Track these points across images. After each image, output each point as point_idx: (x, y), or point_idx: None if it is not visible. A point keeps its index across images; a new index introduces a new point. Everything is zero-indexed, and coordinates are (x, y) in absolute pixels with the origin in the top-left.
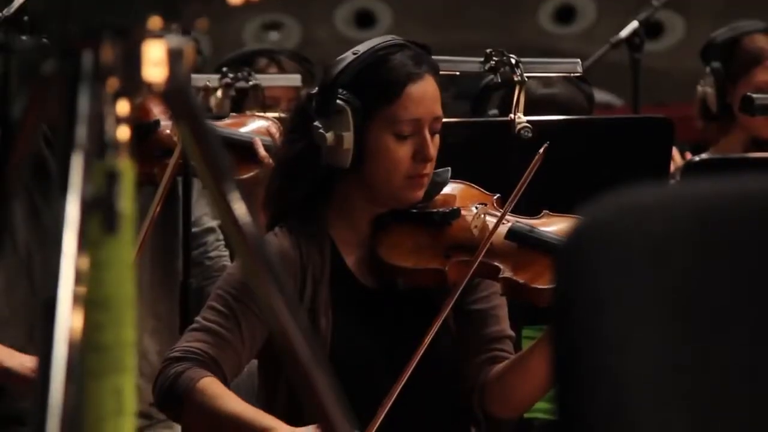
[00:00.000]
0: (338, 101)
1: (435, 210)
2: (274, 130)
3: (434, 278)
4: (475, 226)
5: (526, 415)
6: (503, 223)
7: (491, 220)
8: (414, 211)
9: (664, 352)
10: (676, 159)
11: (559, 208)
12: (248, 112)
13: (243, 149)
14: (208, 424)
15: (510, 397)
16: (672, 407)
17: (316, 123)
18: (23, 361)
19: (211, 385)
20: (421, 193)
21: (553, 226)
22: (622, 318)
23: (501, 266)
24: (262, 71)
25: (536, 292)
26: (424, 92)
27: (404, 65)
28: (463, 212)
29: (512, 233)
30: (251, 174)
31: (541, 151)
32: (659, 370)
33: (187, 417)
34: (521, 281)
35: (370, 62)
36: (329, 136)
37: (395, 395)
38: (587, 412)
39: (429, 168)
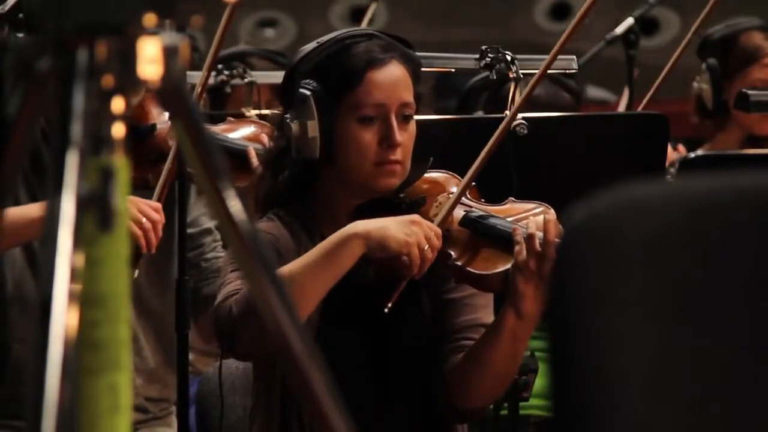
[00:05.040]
0: (300, 90)
1: (403, 200)
2: (265, 137)
3: (397, 266)
4: (435, 215)
5: (521, 412)
6: (464, 211)
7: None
8: (391, 201)
9: (659, 349)
10: (670, 155)
11: (554, 205)
12: (244, 110)
13: (236, 158)
14: (295, 291)
15: (468, 388)
16: (667, 403)
17: (286, 115)
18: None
19: None
20: (395, 181)
21: (513, 214)
22: (617, 314)
23: (452, 253)
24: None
25: (479, 277)
26: (388, 78)
27: (368, 52)
28: (429, 201)
29: (464, 220)
30: (245, 184)
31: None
32: (654, 367)
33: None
34: (464, 266)
35: (333, 50)
36: (294, 125)
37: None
38: (583, 409)
39: (398, 154)
